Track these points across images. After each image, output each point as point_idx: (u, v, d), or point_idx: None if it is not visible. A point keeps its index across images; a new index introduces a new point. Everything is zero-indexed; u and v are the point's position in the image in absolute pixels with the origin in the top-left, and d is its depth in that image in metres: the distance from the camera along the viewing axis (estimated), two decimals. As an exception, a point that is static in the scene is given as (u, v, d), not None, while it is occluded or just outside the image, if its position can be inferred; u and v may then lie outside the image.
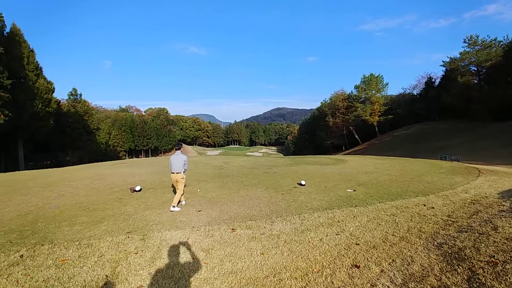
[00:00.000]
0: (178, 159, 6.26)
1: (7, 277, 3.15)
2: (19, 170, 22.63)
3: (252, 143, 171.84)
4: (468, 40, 44.36)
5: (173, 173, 6.25)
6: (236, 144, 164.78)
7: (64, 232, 4.66)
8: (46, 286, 2.98)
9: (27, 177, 11.75)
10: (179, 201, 6.26)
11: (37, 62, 33.03)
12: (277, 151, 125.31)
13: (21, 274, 3.22)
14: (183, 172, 6.29)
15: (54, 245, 4.05)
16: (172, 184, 6.28)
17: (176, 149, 6.49)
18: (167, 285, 3.03)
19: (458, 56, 45.98)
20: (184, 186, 6.47)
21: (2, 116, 23.64)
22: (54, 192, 8.13)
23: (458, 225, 4.26)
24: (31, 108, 30.64)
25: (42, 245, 4.05)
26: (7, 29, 29.83)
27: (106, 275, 3.22)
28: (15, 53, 28.98)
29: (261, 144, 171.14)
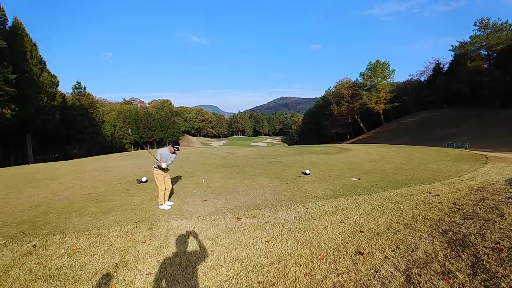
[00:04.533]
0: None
1: (20, 267, 3.27)
2: (28, 164, 23.16)
3: (256, 133, 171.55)
4: (479, 23, 42.80)
5: None
6: (240, 135, 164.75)
7: (74, 222, 4.80)
8: (59, 274, 3.09)
9: (36, 170, 12.01)
10: (163, 200, 5.68)
11: (40, 56, 33.14)
12: (281, 141, 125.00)
13: (34, 263, 3.34)
14: (152, 168, 5.69)
15: (65, 235, 4.18)
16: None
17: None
18: (175, 272, 3.11)
19: (468, 40, 44.50)
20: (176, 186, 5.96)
21: (9, 110, 23.99)
22: (63, 184, 8.32)
23: (463, 212, 4.24)
24: (37, 102, 30.99)
25: (54, 235, 4.18)
26: (9, 23, 29.78)
27: (116, 263, 3.33)
28: (18, 47, 29.02)
29: (265, 134, 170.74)
